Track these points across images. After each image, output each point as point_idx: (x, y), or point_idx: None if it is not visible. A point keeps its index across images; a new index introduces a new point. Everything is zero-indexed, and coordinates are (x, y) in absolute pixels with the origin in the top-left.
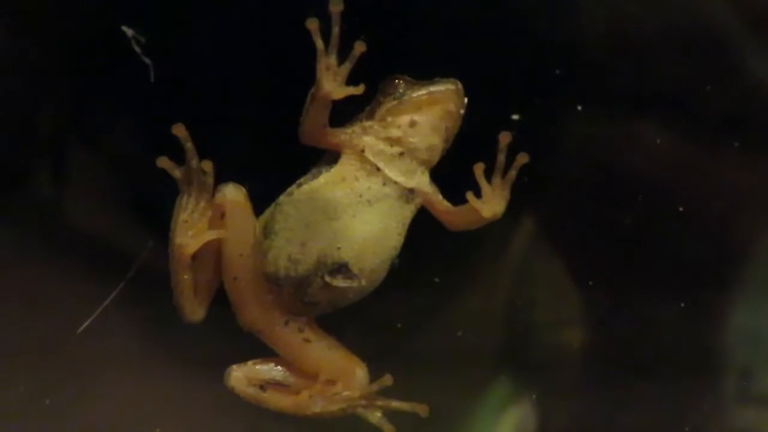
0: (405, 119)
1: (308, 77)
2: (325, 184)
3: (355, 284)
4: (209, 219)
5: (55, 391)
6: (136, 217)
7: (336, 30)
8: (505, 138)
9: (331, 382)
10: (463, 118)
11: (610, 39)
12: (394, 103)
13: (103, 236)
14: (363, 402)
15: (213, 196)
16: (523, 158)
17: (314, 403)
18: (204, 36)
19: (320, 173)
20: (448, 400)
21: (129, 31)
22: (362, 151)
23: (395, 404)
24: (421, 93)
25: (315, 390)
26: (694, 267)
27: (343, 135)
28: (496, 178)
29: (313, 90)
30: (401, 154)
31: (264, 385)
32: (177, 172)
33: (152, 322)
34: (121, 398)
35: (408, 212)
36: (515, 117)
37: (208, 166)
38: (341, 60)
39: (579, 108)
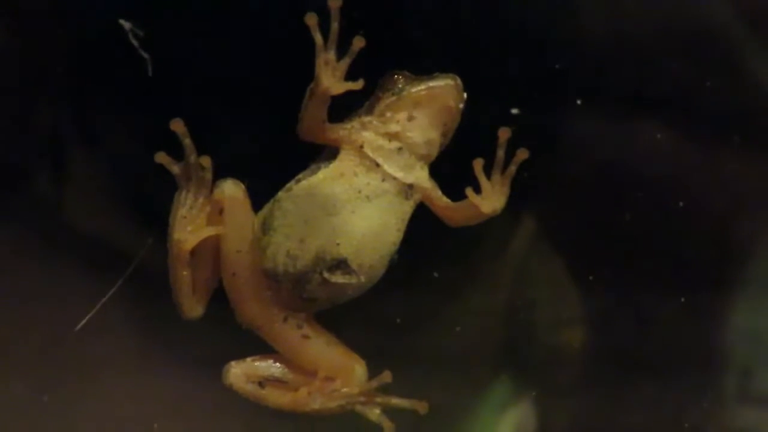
0: (404, 114)
1: (307, 72)
2: (324, 180)
3: (354, 280)
4: (208, 215)
5: (53, 388)
6: (134, 213)
7: (335, 25)
8: (504, 133)
9: (330, 378)
10: (462, 113)
11: (611, 34)
12: (393, 98)
13: (102, 233)
14: (362, 399)
15: (211, 191)
16: (522, 154)
17: (313, 399)
18: (202, 30)
19: (319, 169)
20: (447, 398)
21: (126, 25)
22: (361, 146)
23: (394, 401)
24: (420, 88)
25: (314, 387)
26: (694, 265)
27: (342, 130)
28: (496, 173)
29: (311, 85)
30: (400, 149)
31: (263, 382)
32: (175, 168)
33: (151, 319)
34: (120, 395)
35: (407, 208)
36: (515, 112)
37: (206, 161)
38: (340, 55)
39: (579, 103)
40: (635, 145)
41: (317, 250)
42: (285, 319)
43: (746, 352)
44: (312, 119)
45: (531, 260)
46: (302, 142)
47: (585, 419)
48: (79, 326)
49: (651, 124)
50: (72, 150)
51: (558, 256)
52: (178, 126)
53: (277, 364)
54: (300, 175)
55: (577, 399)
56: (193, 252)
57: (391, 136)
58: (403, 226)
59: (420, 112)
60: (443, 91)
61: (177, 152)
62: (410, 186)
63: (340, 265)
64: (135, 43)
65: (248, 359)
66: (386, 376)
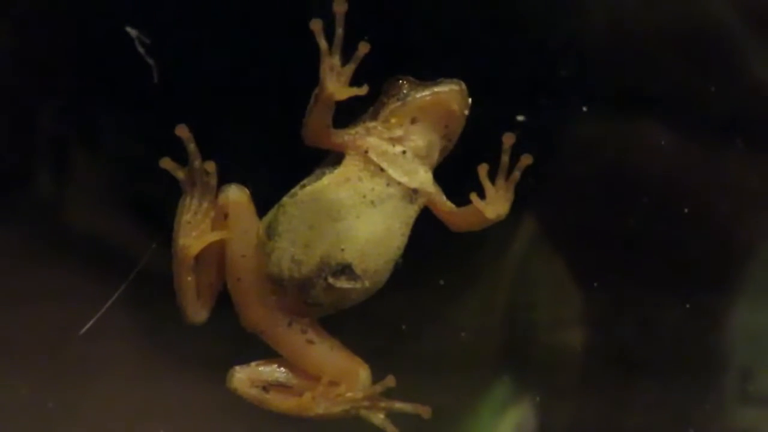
0: (408, 120)
1: (312, 78)
2: (329, 185)
3: (358, 285)
4: (212, 220)
5: (57, 392)
6: (138, 218)
7: (339, 31)
8: (508, 139)
9: (334, 383)
10: (466, 118)
11: (615, 40)
12: (398, 103)
13: (106, 237)
14: (366, 403)
15: (216, 197)
16: (527, 159)
17: (317, 404)
18: (208, 37)
19: (324, 174)
20: (450, 401)
21: (133, 32)
22: (366, 151)
23: (398, 405)
24: (424, 94)
25: (318, 391)
26: (696, 267)
27: (347, 136)
28: (500, 179)
29: (316, 91)
30: (404, 154)
31: (267, 387)
32: (180, 173)
33: (155, 323)
34: (124, 399)
35: (412, 213)
36: (520, 118)
37: (211, 167)
38: (345, 61)
39: (583, 109)
40: (638, 147)
41: (322, 256)
42: (289, 324)
43: (748, 353)
44: (317, 124)
45: (534, 263)
46: (307, 147)
47: (586, 421)
48: (83, 330)
49: (654, 128)
50: (78, 155)
51: (561, 258)
52: (183, 131)
53: (282, 368)
54: (305, 181)
55: (578, 401)
56: (198, 257)
57: (396, 141)
58: (407, 231)
59: (424, 118)
60: (448, 97)
61: (182, 158)
62: (415, 191)
63: (345, 270)
64: (141, 50)
65: (252, 364)
66: (390, 381)
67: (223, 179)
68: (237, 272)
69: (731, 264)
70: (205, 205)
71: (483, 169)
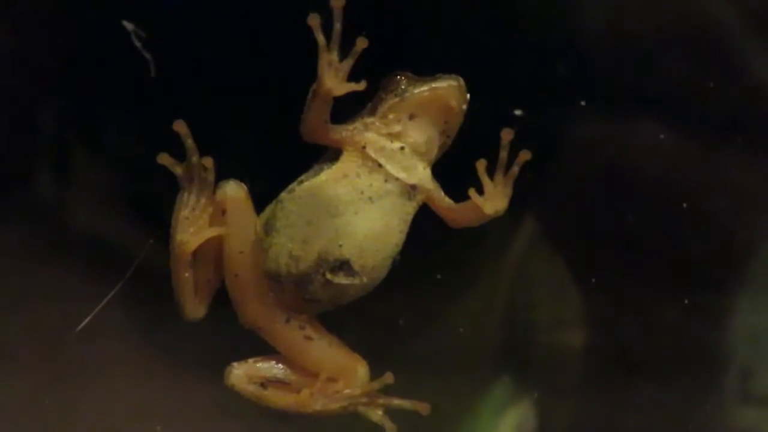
0: (407, 115)
1: (310, 73)
2: (327, 181)
3: (356, 281)
4: (210, 216)
5: (55, 390)
6: (136, 214)
7: (338, 26)
8: (507, 134)
9: (333, 379)
10: (465, 114)
11: (613, 35)
12: (396, 99)
13: (103, 234)
14: (364, 400)
15: (214, 193)
16: (525, 155)
17: (315, 401)
18: (205, 31)
19: (321, 170)
20: (449, 399)
21: (129, 26)
22: (364, 147)
23: (396, 402)
24: (422, 89)
25: (316, 388)
26: (696, 266)
27: (345, 131)
28: (499, 174)
29: (314, 86)
30: (402, 149)
31: (265, 383)
32: (178, 169)
33: (152, 320)
34: (122, 397)
35: (410, 209)
36: (518, 113)
37: (209, 162)
38: (343, 56)
39: (582, 104)
40: (637, 145)
41: (320, 251)
42: (287, 320)
43: (748, 353)
44: (314, 120)
45: (533, 261)
46: (305, 143)
47: (586, 420)
48: (79, 327)
49: (653, 125)
50: (74, 150)
51: (560, 256)
52: (180, 127)
53: (280, 365)
54: (302, 177)
55: (578, 400)
56: (196, 253)
57: (394, 137)
58: (405, 228)
59: (423, 113)
60: (446, 92)
61: (179, 153)
62: (413, 187)
63: (343, 266)
64: (138, 44)
65: (250, 360)
66: (388, 378)
67: (221, 175)
68: (235, 268)
69: (731, 264)
70: (203, 201)
71: (481, 165)
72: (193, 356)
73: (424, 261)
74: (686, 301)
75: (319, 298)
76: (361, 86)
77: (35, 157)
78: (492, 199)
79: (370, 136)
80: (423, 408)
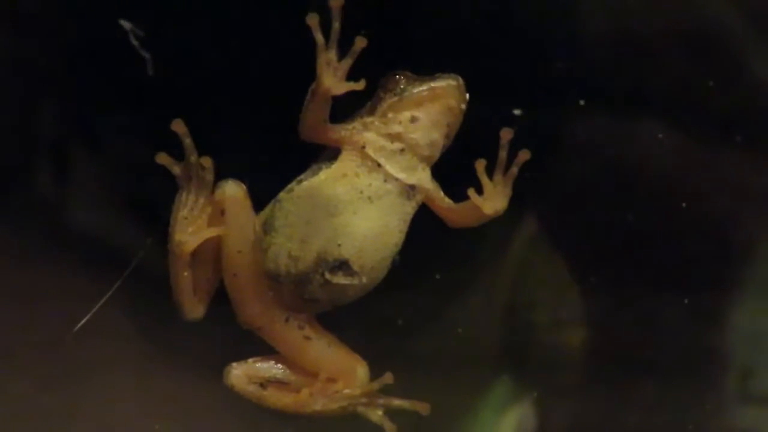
0: (406, 115)
1: (308, 73)
2: (326, 181)
3: (355, 281)
4: (209, 216)
5: (53, 389)
6: (134, 214)
7: (336, 25)
8: (506, 134)
9: (332, 380)
10: (464, 113)
11: (613, 34)
12: (395, 99)
13: (102, 233)
14: (364, 400)
15: (212, 192)
16: (524, 155)
17: (315, 401)
18: (203, 30)
19: (320, 169)
20: (449, 399)
21: (127, 25)
22: (363, 147)
23: (396, 402)
24: (422, 89)
25: (315, 388)
26: (696, 266)
27: (344, 131)
28: (498, 174)
29: (313, 85)
30: (402, 150)
31: (264, 383)
32: (176, 169)
33: (151, 319)
34: (120, 396)
35: (409, 209)
36: (517, 112)
37: (207, 162)
38: (342, 55)
39: (581, 103)
40: (637, 145)
41: (319, 251)
42: (286, 320)
43: (748, 353)
44: (313, 120)
45: (532, 260)
46: (304, 142)
47: (586, 420)
48: (78, 326)
49: (653, 124)
50: (72, 150)
51: (560, 256)
52: (179, 126)
53: (279, 365)
54: (301, 176)
55: (578, 400)
56: (194, 253)
57: (393, 137)
58: (405, 228)
59: (422, 113)
60: (445, 92)
61: (178, 153)
62: (412, 187)
63: (342, 266)
64: (135, 43)
65: (249, 360)
66: (388, 378)
67: (220, 174)
68: (233, 268)
69: (731, 263)
70: (202, 200)
71: (481, 165)
72: (193, 356)
73: (423, 261)
74: (686, 301)
75: (318, 298)
76: (360, 85)
77: (33, 156)
78: (491, 199)
79: (369, 136)
80: (423, 408)
